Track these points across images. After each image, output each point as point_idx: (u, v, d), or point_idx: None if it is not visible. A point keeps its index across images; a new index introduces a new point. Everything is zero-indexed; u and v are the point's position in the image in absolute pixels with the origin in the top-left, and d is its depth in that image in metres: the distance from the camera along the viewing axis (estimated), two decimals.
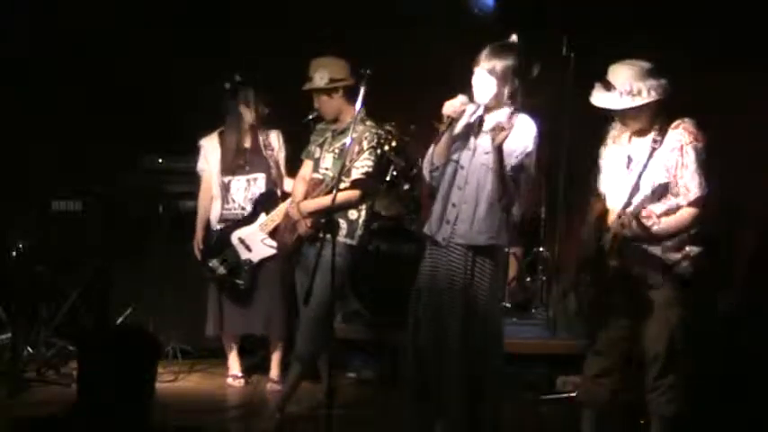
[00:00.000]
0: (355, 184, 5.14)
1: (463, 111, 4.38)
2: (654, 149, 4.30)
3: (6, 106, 6.56)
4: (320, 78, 5.29)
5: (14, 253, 6.03)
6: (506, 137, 4.20)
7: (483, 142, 4.37)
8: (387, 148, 4.89)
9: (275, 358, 5.89)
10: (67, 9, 6.87)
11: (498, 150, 4.23)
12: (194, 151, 6.03)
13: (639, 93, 4.28)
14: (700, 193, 4.27)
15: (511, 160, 4.31)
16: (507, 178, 4.30)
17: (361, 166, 5.13)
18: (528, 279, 7.00)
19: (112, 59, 6.94)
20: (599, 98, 4.37)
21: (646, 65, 4.35)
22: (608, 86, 4.34)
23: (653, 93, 4.28)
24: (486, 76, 4.35)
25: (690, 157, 4.29)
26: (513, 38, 4.43)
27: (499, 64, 4.34)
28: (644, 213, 4.26)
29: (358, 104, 4.90)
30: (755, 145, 6.50)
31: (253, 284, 5.77)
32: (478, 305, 4.36)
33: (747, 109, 6.54)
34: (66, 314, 6.24)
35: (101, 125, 6.79)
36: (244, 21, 7.13)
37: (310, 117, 5.51)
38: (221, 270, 5.76)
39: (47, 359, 5.98)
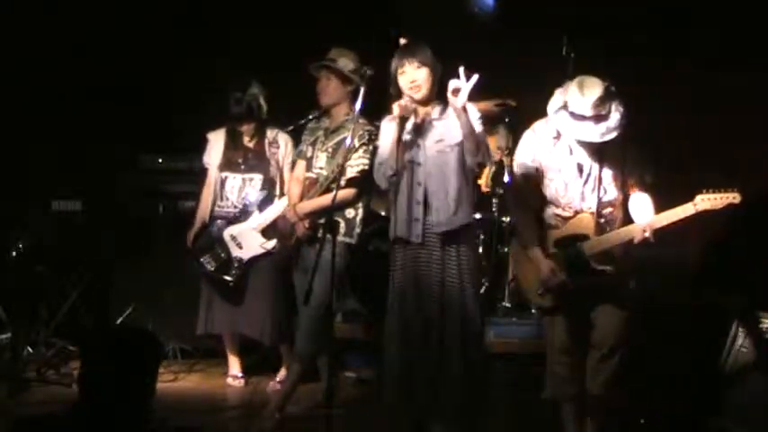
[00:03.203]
0: (351, 183, 5.14)
1: (413, 109, 4.54)
2: (602, 151, 4.34)
3: (6, 106, 6.56)
4: (345, 64, 5.29)
5: (14, 253, 6.03)
6: (466, 95, 4.38)
7: (429, 134, 4.56)
8: (378, 144, 4.91)
9: (286, 356, 5.85)
10: (67, 9, 6.88)
11: (464, 110, 4.41)
12: (195, 151, 6.03)
13: (621, 120, 4.26)
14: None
15: (453, 138, 4.50)
16: (477, 134, 4.47)
17: (357, 164, 5.13)
18: None
19: (112, 59, 6.94)
20: (592, 132, 4.27)
21: (603, 83, 4.28)
22: (601, 118, 4.25)
23: (621, 110, 4.27)
24: (422, 72, 4.52)
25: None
26: (402, 41, 4.62)
27: (425, 51, 4.55)
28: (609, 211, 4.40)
29: (358, 104, 4.92)
30: (756, 144, 6.51)
31: (243, 283, 5.75)
32: (465, 294, 4.49)
33: (747, 109, 6.55)
34: (66, 314, 6.24)
35: (101, 125, 6.79)
36: (244, 21, 7.13)
37: (311, 116, 5.49)
38: (211, 266, 5.76)
39: (47, 359, 5.97)
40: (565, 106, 4.28)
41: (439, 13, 6.88)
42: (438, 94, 4.58)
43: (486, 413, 4.64)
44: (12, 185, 6.51)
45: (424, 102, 4.58)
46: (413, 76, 4.53)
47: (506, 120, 6.81)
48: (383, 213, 6.47)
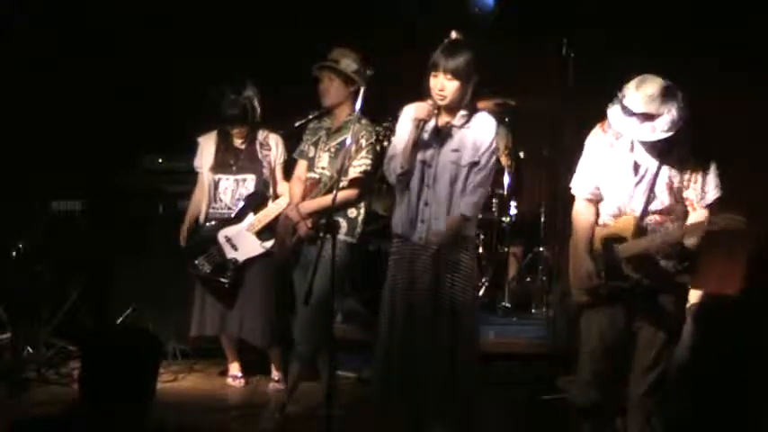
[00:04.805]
0: (354, 183, 5.14)
1: (433, 112, 4.48)
2: (664, 157, 4.22)
3: (7, 106, 6.56)
4: (348, 65, 5.28)
5: (14, 253, 6.03)
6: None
7: (447, 140, 4.51)
8: (385, 144, 4.90)
9: (274, 359, 5.89)
10: (68, 9, 6.88)
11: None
12: (195, 151, 6.02)
13: (673, 123, 4.12)
14: (717, 194, 4.23)
15: (467, 157, 4.47)
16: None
17: (359, 164, 5.13)
18: (528, 279, 7.00)
19: (112, 59, 6.94)
20: (636, 130, 4.15)
21: (663, 84, 4.15)
22: (649, 117, 4.11)
23: (674, 114, 4.14)
24: (449, 83, 4.44)
25: (702, 161, 4.24)
26: (453, 34, 4.52)
27: (461, 63, 4.43)
28: (657, 219, 4.27)
29: (358, 104, 4.93)
30: (755, 145, 6.52)
31: (237, 284, 5.73)
32: (457, 301, 4.47)
33: (747, 109, 6.55)
34: (66, 314, 6.24)
35: (101, 125, 6.80)
36: (244, 21, 7.13)
37: (311, 116, 5.49)
38: (206, 268, 5.75)
39: (47, 359, 5.97)
40: (621, 100, 4.17)
41: (440, 13, 6.88)
42: (467, 103, 4.52)
43: (475, 414, 4.63)
44: (12, 185, 6.50)
45: (449, 109, 4.52)
46: (441, 85, 4.46)
47: (506, 120, 6.82)
48: (383, 213, 6.49)
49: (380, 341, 4.61)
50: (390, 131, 4.82)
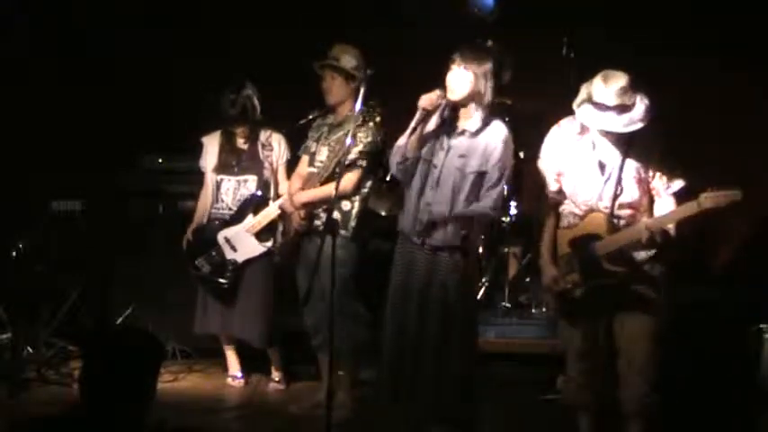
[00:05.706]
0: (349, 169, 5.11)
1: (439, 104, 4.46)
2: (627, 152, 4.25)
3: (6, 106, 6.56)
4: (348, 61, 5.29)
5: (14, 253, 6.03)
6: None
7: (456, 144, 4.48)
8: (371, 124, 4.93)
9: (274, 359, 5.89)
10: (67, 9, 6.88)
11: None
12: (195, 151, 6.02)
13: (646, 113, 4.17)
14: (683, 183, 4.27)
15: (473, 165, 4.44)
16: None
17: (354, 153, 5.11)
18: (528, 279, 6.99)
19: (112, 59, 6.94)
20: (615, 122, 4.17)
21: (628, 76, 4.20)
22: (625, 108, 4.16)
23: (646, 103, 4.20)
24: (464, 75, 4.42)
25: (664, 153, 4.28)
26: (490, 43, 4.51)
27: (479, 65, 4.42)
28: (627, 212, 4.28)
29: (358, 104, 4.93)
30: (755, 144, 6.52)
31: (236, 285, 5.73)
32: (452, 303, 4.46)
33: (747, 108, 6.56)
34: (66, 314, 6.24)
35: (101, 125, 6.79)
36: (244, 21, 7.13)
37: (311, 117, 5.49)
38: (205, 269, 5.75)
39: (47, 359, 5.97)
40: (589, 98, 4.19)
41: (440, 13, 6.88)
42: (483, 107, 4.48)
43: (472, 415, 4.62)
44: (12, 185, 6.50)
45: (464, 106, 4.48)
46: (454, 77, 4.44)
47: (506, 120, 6.80)
48: (383, 213, 6.48)
49: (385, 342, 4.61)
50: (374, 109, 4.84)
